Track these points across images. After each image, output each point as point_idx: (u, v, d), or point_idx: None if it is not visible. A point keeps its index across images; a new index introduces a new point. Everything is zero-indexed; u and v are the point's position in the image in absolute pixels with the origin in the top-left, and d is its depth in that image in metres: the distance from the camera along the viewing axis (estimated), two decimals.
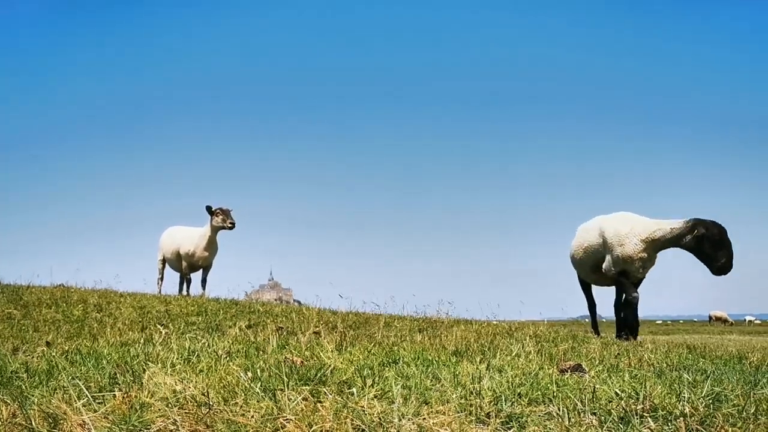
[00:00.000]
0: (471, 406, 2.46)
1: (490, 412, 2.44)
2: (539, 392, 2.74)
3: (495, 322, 7.82)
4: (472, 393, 2.65)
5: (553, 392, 2.73)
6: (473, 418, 2.35)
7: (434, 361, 3.59)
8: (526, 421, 2.38)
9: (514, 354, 4.11)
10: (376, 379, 2.90)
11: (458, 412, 2.37)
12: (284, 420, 2.11)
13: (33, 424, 2.03)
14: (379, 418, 2.23)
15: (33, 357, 3.42)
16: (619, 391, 2.73)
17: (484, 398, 2.58)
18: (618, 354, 4.60)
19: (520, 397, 2.66)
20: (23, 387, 2.69)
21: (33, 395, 2.49)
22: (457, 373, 3.15)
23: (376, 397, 2.53)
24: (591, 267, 7.80)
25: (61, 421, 2.06)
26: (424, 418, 2.25)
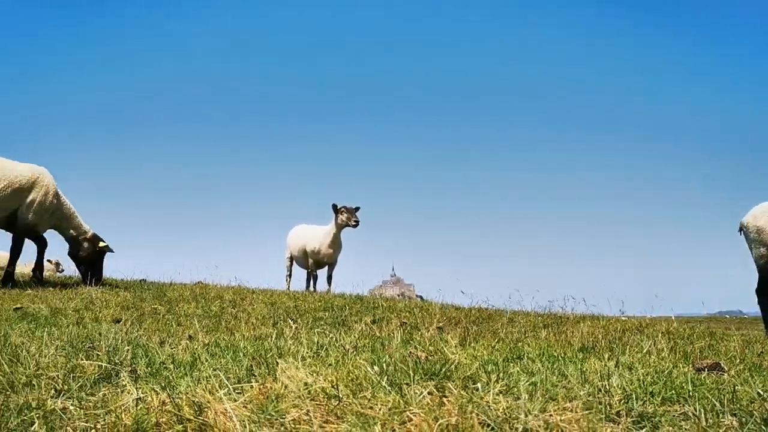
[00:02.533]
0: (600, 403, 2.41)
1: (620, 410, 2.37)
2: (673, 391, 2.63)
3: (624, 318, 7.53)
4: (600, 390, 2.59)
5: (689, 392, 2.61)
6: (602, 416, 2.29)
7: (560, 358, 3.53)
8: (660, 420, 2.30)
9: (645, 351, 3.96)
10: (501, 374, 2.90)
11: (586, 410, 2.33)
12: (411, 413, 2.16)
13: (181, 411, 2.20)
14: (505, 414, 2.23)
15: (178, 349, 3.67)
16: (762, 392, 2.58)
17: (613, 396, 2.52)
18: (761, 353, 4.32)
19: (652, 396, 2.57)
20: (170, 377, 2.90)
21: (180, 385, 2.69)
22: (585, 370, 3.09)
23: (501, 392, 2.53)
24: None
25: (206, 409, 2.21)
26: (551, 415, 2.22)
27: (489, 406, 2.30)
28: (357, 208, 11.19)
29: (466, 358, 3.29)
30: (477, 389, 2.57)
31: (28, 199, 8.30)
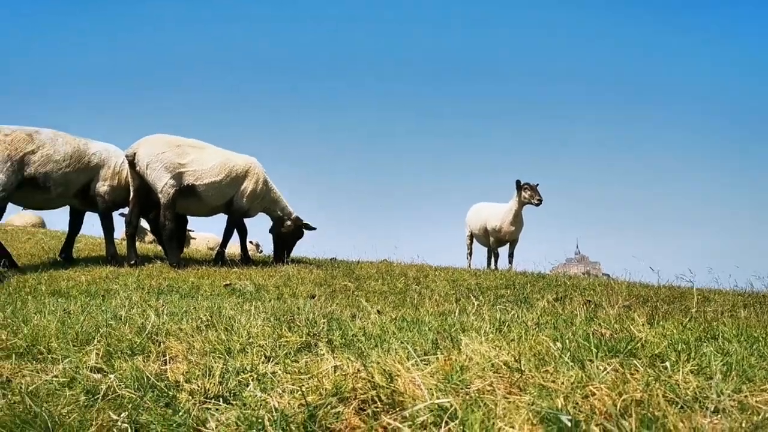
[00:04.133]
0: None
1: None
2: None
3: None
4: None
5: None
6: None
7: (761, 338, 3.31)
8: None
9: None
10: (692, 354, 2.79)
11: None
12: (593, 388, 2.18)
13: (374, 379, 2.39)
14: (695, 393, 2.17)
15: (367, 323, 3.92)
16: None
17: None
18: None
19: None
20: (362, 348, 3.13)
21: (371, 355, 2.91)
22: None
23: (691, 372, 2.45)
24: None
25: (396, 378, 2.39)
26: (746, 396, 2.13)
27: (678, 385, 2.25)
28: (536, 185, 11.01)
29: (653, 337, 3.20)
30: (665, 368, 2.51)
31: (242, 187, 9.21)
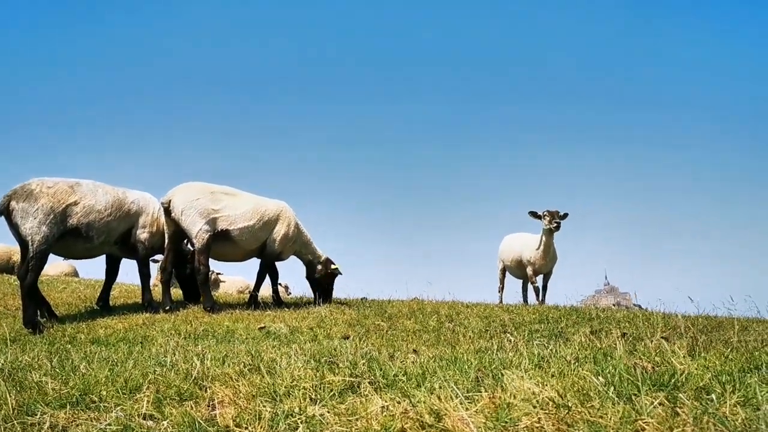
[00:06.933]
0: None
1: None
2: None
3: None
4: None
5: None
6: None
7: None
8: None
9: None
10: (737, 385, 2.79)
11: None
12: (643, 423, 2.20)
13: (423, 418, 2.44)
14: (744, 424, 2.18)
15: (407, 362, 3.95)
16: None
17: None
18: None
19: None
20: (405, 388, 3.17)
21: (415, 395, 2.94)
22: None
23: (738, 403, 2.46)
24: None
25: (444, 416, 2.43)
26: None
27: (726, 417, 2.26)
28: (559, 213, 10.89)
29: (696, 369, 3.20)
30: (711, 400, 2.52)
31: (275, 231, 9.38)
